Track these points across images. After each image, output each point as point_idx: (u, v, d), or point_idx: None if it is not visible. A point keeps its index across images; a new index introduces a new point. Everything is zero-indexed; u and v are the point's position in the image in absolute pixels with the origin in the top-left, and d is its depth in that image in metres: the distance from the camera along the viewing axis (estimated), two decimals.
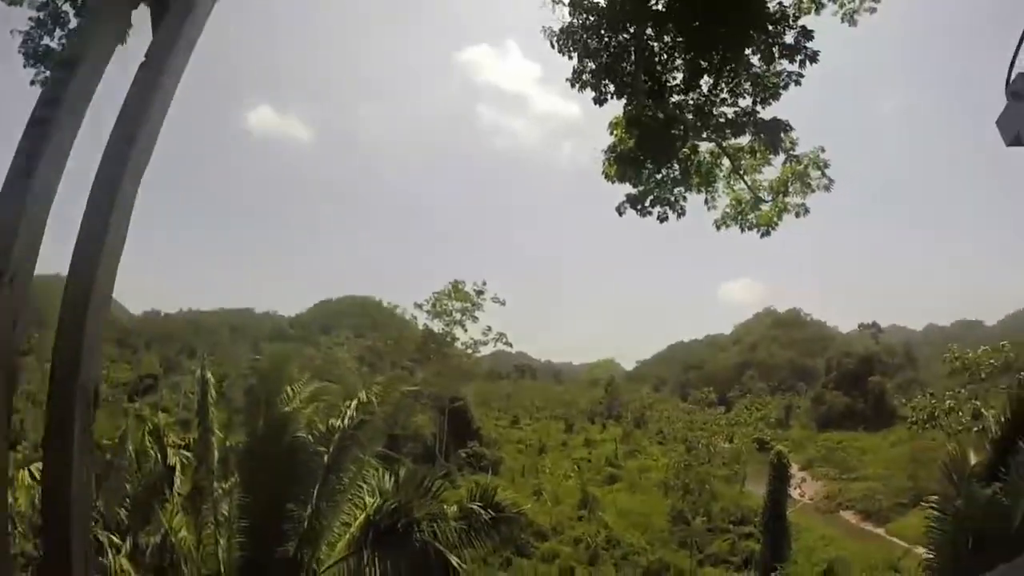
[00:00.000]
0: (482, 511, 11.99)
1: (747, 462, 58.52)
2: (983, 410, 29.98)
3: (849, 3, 9.53)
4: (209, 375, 14.58)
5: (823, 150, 10.82)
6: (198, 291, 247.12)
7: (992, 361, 39.52)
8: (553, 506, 47.84)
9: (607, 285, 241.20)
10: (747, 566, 40.98)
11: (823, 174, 10.89)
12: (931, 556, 12.49)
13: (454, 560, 11.42)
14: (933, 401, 42.21)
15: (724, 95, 9.95)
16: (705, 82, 9.82)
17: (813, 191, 10.99)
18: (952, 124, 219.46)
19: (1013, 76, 1.97)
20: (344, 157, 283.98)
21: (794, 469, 65.34)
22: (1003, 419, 12.02)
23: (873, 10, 9.62)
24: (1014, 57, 2.05)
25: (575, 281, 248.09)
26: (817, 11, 9.49)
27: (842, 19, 9.65)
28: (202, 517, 13.12)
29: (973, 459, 11.99)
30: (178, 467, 15.89)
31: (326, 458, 11.84)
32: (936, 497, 12.77)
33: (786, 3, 9.20)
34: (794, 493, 58.13)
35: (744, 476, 57.22)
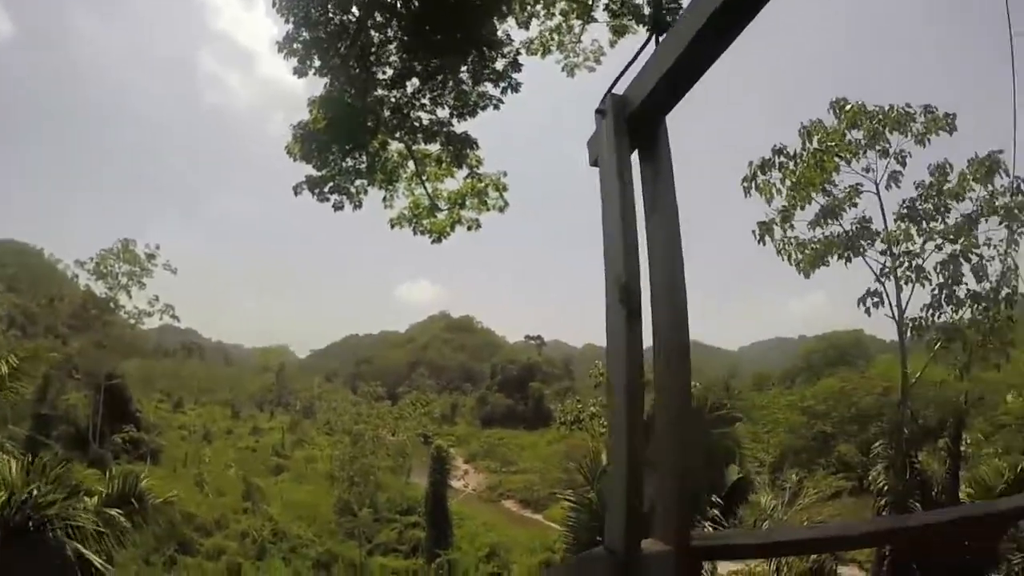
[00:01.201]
0: (128, 504, 10.85)
1: (412, 455, 60.51)
2: None
3: (572, 57, 10.39)
4: None
5: (505, 174, 11.49)
6: None
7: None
8: (217, 498, 45.44)
9: (288, 269, 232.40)
10: (415, 553, 42.33)
11: (501, 196, 11.56)
12: (570, 538, 14.51)
13: (97, 561, 10.15)
14: (579, 406, 47.52)
15: (425, 101, 10.22)
16: (412, 84, 10.02)
17: (489, 210, 11.62)
18: None
19: (604, 97, 2.23)
20: (44, 60, 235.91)
21: (459, 462, 69.13)
22: None
23: (592, 69, 10.36)
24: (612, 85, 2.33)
25: (256, 260, 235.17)
26: (543, 55, 10.16)
27: (562, 69, 10.47)
28: None
29: (605, 459, 13.90)
30: None
31: None
32: (571, 491, 14.74)
33: (513, 36, 9.71)
34: (459, 484, 61.37)
35: (409, 468, 59.04)
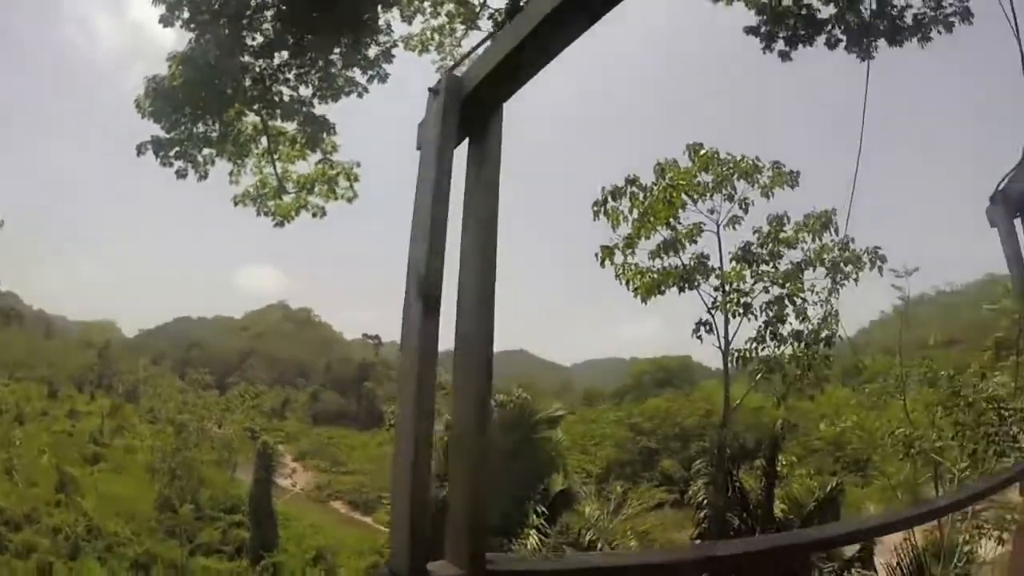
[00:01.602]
0: None
1: (239, 450, 57.81)
2: None
3: (449, 60, 10.23)
4: None
5: (358, 164, 11.22)
6: None
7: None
8: (28, 488, 41.59)
9: (123, 238, 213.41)
10: (239, 554, 40.25)
11: (351, 186, 11.27)
12: None
13: None
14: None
15: (290, 76, 9.78)
16: (280, 56, 9.54)
17: (337, 199, 11.28)
18: None
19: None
20: None
21: (288, 459, 66.67)
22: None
23: None
24: None
25: (90, 224, 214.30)
26: (420, 53, 9.93)
27: (437, 70, 10.29)
28: None
29: (433, 465, 13.82)
30: None
31: None
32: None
33: (395, 28, 9.42)
34: (287, 483, 59.17)
35: (235, 464, 56.36)
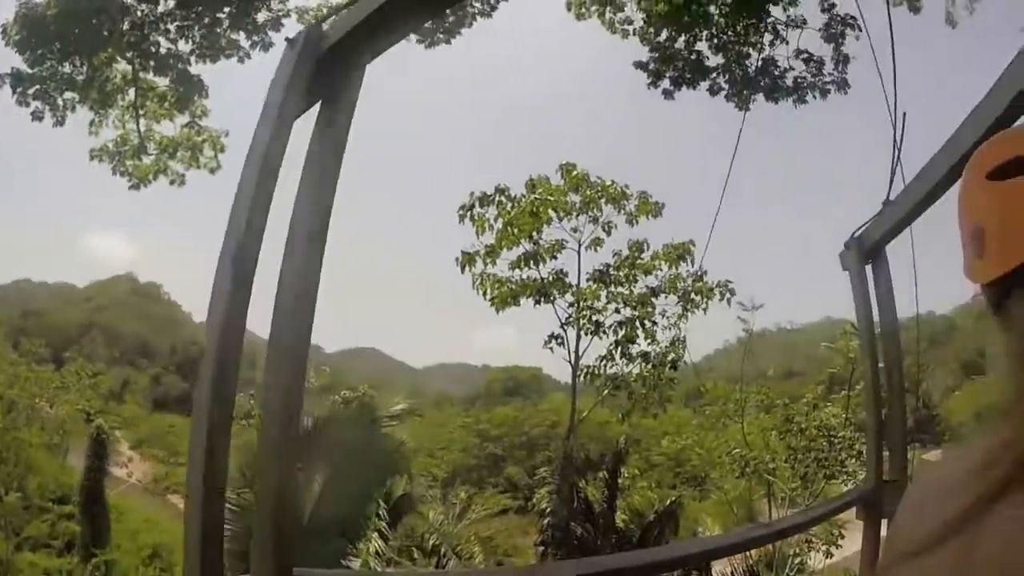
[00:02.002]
0: None
1: (71, 433, 53.25)
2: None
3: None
4: None
5: (227, 134, 10.68)
6: None
7: (312, 380, 44.36)
8: None
9: None
10: (69, 550, 36.63)
11: (216, 156, 10.71)
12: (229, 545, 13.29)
13: None
14: (251, 401, 45.14)
15: (171, 27, 9.11)
16: (165, 4, 8.89)
17: (200, 167, 10.70)
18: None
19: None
20: None
21: (124, 447, 62.00)
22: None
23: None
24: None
25: None
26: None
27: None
28: None
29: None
30: None
31: None
32: (230, 490, 13.63)
33: None
34: (122, 472, 54.93)
35: (67, 449, 51.75)
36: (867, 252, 3.39)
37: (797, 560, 16.53)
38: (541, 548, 17.19)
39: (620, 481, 17.92)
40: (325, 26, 1.84)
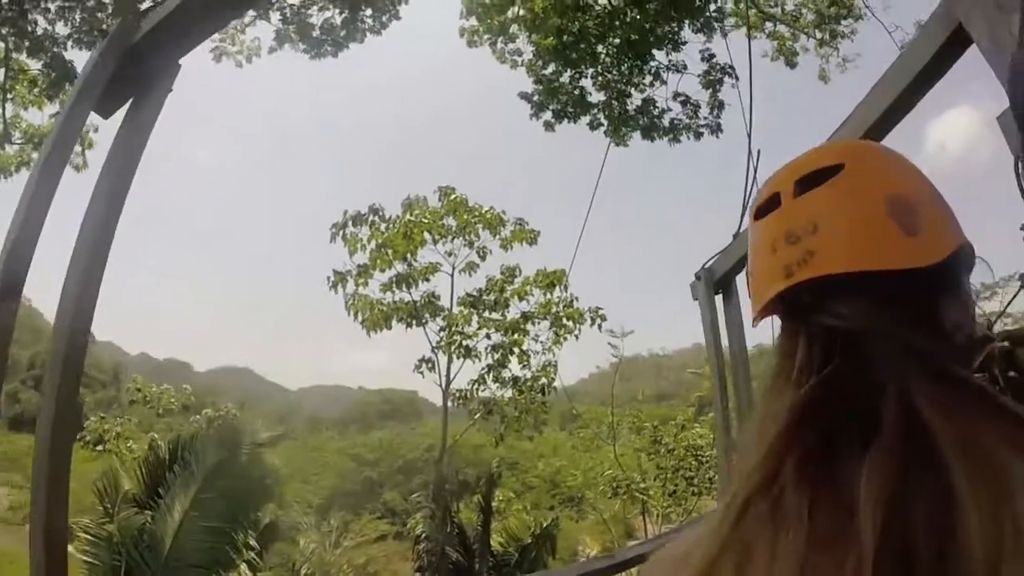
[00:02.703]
0: None
1: None
2: (158, 441, 31.21)
3: (229, 44, 9.70)
4: None
5: (96, 130, 9.95)
6: None
7: (173, 400, 41.30)
8: None
9: None
10: None
11: (83, 153, 10.02)
12: None
13: None
14: (106, 424, 41.73)
15: (51, 7, 8.38)
16: None
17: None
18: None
19: None
20: None
21: None
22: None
23: (240, 65, 9.96)
24: None
25: None
26: None
27: (211, 51, 9.55)
28: None
29: (127, 484, 12.26)
30: None
31: None
32: (89, 521, 12.49)
33: None
34: None
35: None
36: (716, 283, 3.51)
37: None
38: (418, 574, 16.85)
39: (495, 504, 17.85)
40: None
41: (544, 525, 17.52)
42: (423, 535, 17.00)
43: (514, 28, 10.19)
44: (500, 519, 18.86)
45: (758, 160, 4.10)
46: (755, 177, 3.93)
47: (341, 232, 17.61)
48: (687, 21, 9.65)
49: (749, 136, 4.79)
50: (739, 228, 3.48)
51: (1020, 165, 1.59)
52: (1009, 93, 1.37)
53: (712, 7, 9.65)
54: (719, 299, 3.66)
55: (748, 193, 3.79)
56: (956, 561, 0.63)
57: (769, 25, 11.50)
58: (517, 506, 23.18)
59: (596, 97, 10.15)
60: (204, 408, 28.95)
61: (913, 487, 0.68)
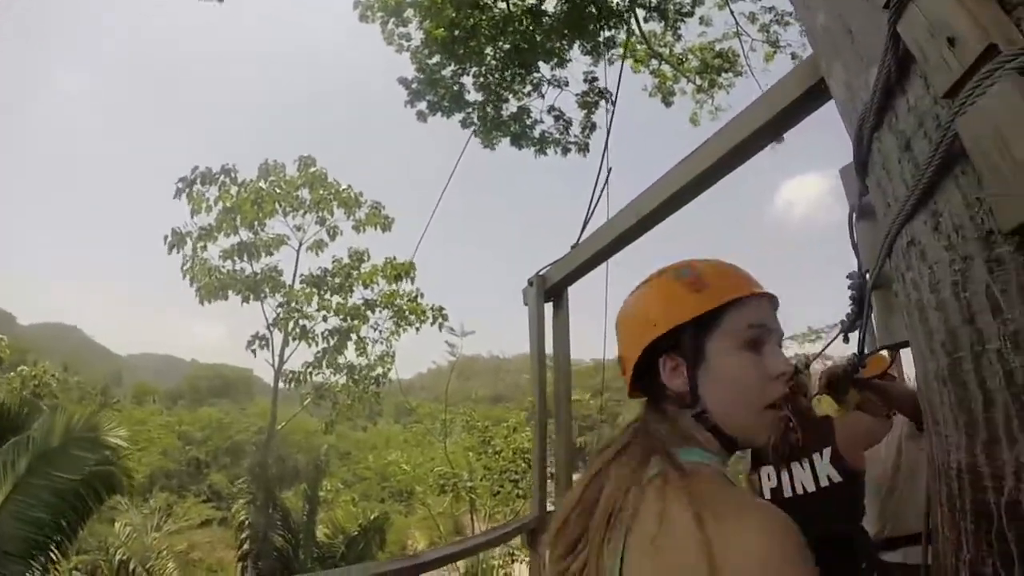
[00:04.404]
0: None
1: None
2: None
3: None
4: None
5: None
6: None
7: None
8: None
9: None
10: None
11: None
12: None
13: None
14: None
15: None
16: None
17: None
18: None
19: None
20: None
21: None
22: None
23: None
24: None
25: None
26: None
27: None
28: None
29: None
30: None
31: None
32: None
33: None
34: None
35: None
36: (548, 291, 3.56)
37: (503, 573, 17.22)
38: (240, 563, 16.11)
39: (323, 494, 17.39)
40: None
41: (372, 517, 17.30)
42: (246, 521, 16.31)
43: (408, 12, 9.95)
44: (328, 509, 18.43)
45: (608, 178, 4.22)
46: (602, 193, 4.04)
47: (188, 189, 16.46)
48: (577, 42, 9.81)
49: (604, 154, 4.95)
50: (579, 239, 3.51)
51: (853, 216, 1.68)
52: (854, 143, 1.44)
53: (604, 34, 9.87)
54: (549, 307, 3.70)
55: (591, 208, 3.86)
56: None
57: (655, 63, 11.92)
58: (346, 497, 22.76)
59: (474, 96, 10.12)
60: (21, 365, 26.05)
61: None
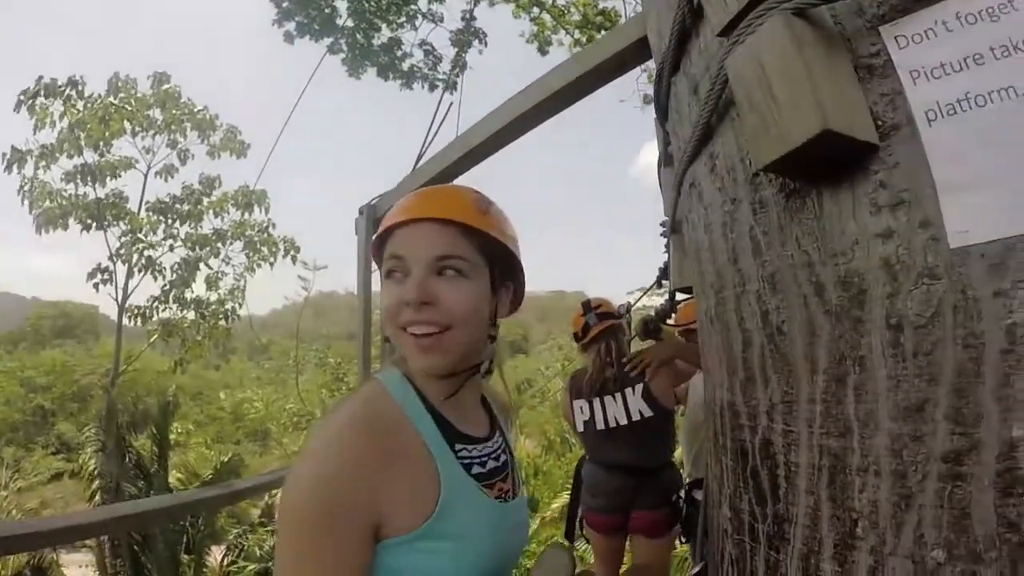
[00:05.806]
0: None
1: None
2: None
3: None
4: None
5: None
6: None
7: None
8: None
9: None
10: None
11: None
12: None
13: None
14: None
15: None
16: None
17: None
18: None
19: None
20: None
21: None
22: None
23: None
24: None
25: None
26: None
27: None
28: None
29: None
30: None
31: None
32: None
33: None
34: None
35: None
36: (377, 221, 3.49)
37: None
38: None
39: (174, 437, 16.65)
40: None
41: (226, 459, 16.81)
42: (96, 471, 15.41)
43: None
44: (180, 452, 17.74)
45: (447, 113, 4.18)
46: (442, 122, 3.98)
47: (31, 102, 14.85)
48: None
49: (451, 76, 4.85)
50: (414, 167, 3.45)
51: (659, 165, 1.72)
52: (654, 89, 1.45)
53: None
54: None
55: (427, 140, 3.80)
56: None
57: (536, 10, 11.78)
58: (198, 439, 21.99)
59: (345, 22, 9.66)
60: None
61: None
